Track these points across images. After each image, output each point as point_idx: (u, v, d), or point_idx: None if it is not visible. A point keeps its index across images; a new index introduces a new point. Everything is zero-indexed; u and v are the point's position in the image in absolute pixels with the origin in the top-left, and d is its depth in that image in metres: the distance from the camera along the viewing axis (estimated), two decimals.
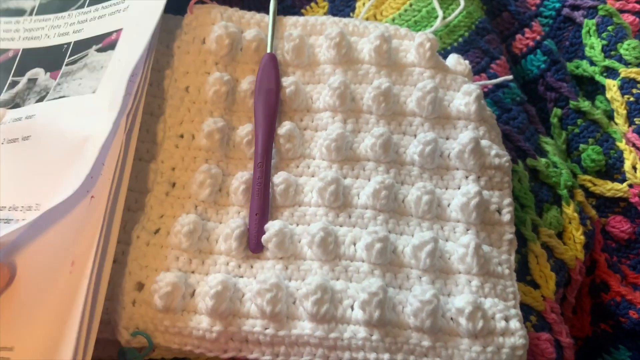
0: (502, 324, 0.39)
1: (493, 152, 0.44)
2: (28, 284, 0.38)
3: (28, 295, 0.38)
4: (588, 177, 0.55)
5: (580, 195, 0.52)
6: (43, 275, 0.38)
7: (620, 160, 0.54)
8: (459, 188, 0.44)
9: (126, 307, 0.40)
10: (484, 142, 0.44)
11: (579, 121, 0.57)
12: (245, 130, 0.45)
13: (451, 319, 0.39)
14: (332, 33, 0.47)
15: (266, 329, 0.39)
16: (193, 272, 0.41)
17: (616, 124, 0.55)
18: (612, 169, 0.54)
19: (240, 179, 0.44)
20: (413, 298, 0.39)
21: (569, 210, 0.50)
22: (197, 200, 0.43)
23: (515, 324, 0.39)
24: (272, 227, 0.41)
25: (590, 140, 0.56)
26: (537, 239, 0.47)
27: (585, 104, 0.56)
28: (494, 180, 0.44)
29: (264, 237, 0.41)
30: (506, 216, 0.43)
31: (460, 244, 0.41)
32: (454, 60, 0.48)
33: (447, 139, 0.45)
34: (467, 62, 0.48)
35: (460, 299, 0.39)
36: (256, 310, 0.39)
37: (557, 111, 0.57)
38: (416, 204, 0.43)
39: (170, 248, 0.42)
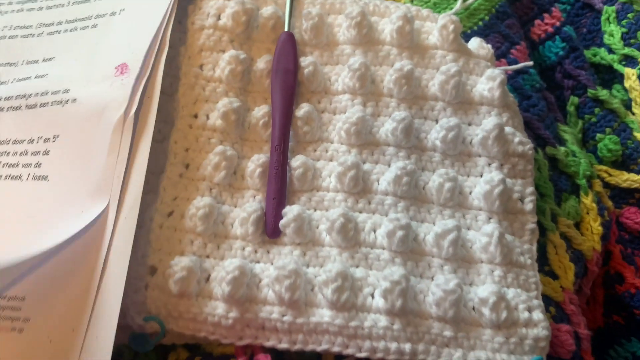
0: (525, 314, 0.38)
1: (517, 140, 0.43)
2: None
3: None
4: (604, 167, 0.54)
5: (598, 185, 0.51)
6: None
7: (637, 150, 0.53)
8: (481, 175, 0.43)
9: (138, 292, 0.39)
10: (508, 129, 0.43)
11: (597, 110, 0.56)
12: (261, 111, 0.44)
13: (473, 309, 0.38)
14: (353, 12, 0.45)
15: (284, 316, 0.38)
16: (208, 256, 0.40)
17: (633, 113, 0.54)
18: (628, 160, 0.54)
19: (257, 161, 0.42)
20: (436, 287, 0.38)
21: (587, 200, 0.49)
22: (211, 183, 0.42)
23: (538, 315, 0.38)
24: (290, 211, 0.40)
25: (607, 129, 0.55)
26: (556, 229, 0.47)
27: (603, 93, 0.55)
28: (517, 168, 0.43)
29: (282, 222, 0.40)
30: (529, 205, 0.42)
31: (483, 233, 0.40)
32: (477, 44, 0.47)
33: (470, 124, 0.44)
34: (489, 46, 0.47)
35: (483, 289, 0.38)
36: (274, 297, 0.38)
37: (574, 99, 0.56)
38: (438, 191, 0.42)
39: (185, 231, 0.40)
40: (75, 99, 0.41)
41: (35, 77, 0.44)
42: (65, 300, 0.37)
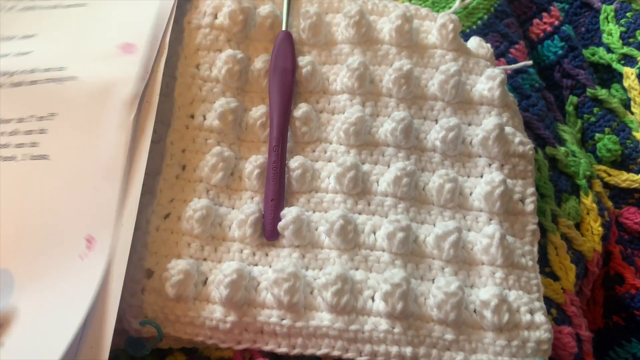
0: (527, 317, 0.38)
1: (517, 140, 0.43)
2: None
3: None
4: (603, 167, 0.54)
5: (598, 185, 0.51)
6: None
7: (637, 150, 0.53)
8: (481, 176, 0.42)
9: (135, 295, 0.38)
10: (508, 129, 0.43)
11: (595, 110, 0.55)
12: (259, 111, 0.43)
13: (475, 311, 0.38)
14: (351, 11, 0.45)
15: (283, 319, 0.37)
16: (205, 259, 0.40)
17: (633, 113, 0.54)
18: (627, 160, 0.53)
19: (254, 162, 0.42)
20: (437, 290, 0.37)
21: (588, 200, 0.49)
22: (208, 184, 0.41)
23: (540, 317, 0.38)
24: (288, 213, 0.39)
25: (607, 129, 0.55)
26: (556, 229, 0.46)
27: (602, 92, 0.55)
28: (517, 168, 0.43)
29: (281, 224, 0.39)
30: (529, 206, 0.42)
31: (484, 234, 0.40)
32: (476, 43, 0.46)
33: (470, 124, 0.44)
34: (489, 45, 0.47)
35: (485, 292, 0.38)
36: (272, 300, 0.37)
37: (573, 99, 0.56)
38: (438, 192, 0.41)
39: (182, 234, 0.40)
40: (75, 77, 0.41)
41: (17, 54, 0.42)
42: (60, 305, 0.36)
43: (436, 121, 0.44)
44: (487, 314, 0.37)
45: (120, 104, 0.39)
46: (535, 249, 0.41)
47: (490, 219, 0.41)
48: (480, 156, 0.43)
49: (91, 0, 0.45)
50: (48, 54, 0.42)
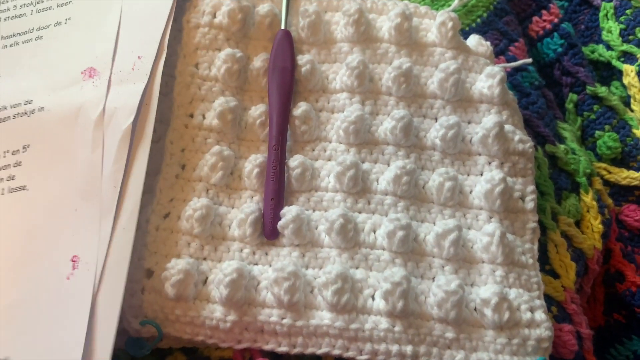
0: (528, 315, 0.38)
1: (517, 138, 0.43)
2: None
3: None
4: (603, 165, 0.54)
5: (598, 183, 0.51)
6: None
7: (637, 148, 0.53)
8: (481, 174, 0.42)
9: (135, 295, 0.38)
10: (508, 127, 0.43)
11: (595, 107, 0.55)
12: (258, 110, 0.43)
13: (475, 309, 0.38)
14: (351, 9, 0.44)
15: (283, 318, 0.37)
16: (205, 258, 0.39)
17: (632, 110, 0.54)
18: (627, 157, 0.53)
19: (254, 162, 0.42)
20: (437, 288, 0.37)
21: (588, 198, 0.49)
22: (208, 184, 0.41)
23: (540, 315, 0.38)
24: (288, 212, 0.39)
25: (607, 127, 0.55)
26: (556, 227, 0.46)
27: (602, 90, 0.55)
28: (517, 166, 0.43)
29: (281, 223, 0.39)
30: (530, 204, 0.42)
31: (484, 233, 0.40)
32: (475, 41, 0.46)
33: (469, 123, 0.44)
34: (488, 43, 0.47)
35: (485, 290, 0.38)
36: (273, 299, 0.37)
37: (573, 96, 0.56)
38: (438, 190, 0.41)
39: (181, 233, 0.40)
40: (42, 107, 0.42)
41: None
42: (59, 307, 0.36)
43: (436, 119, 0.44)
44: (488, 312, 0.37)
45: (91, 125, 0.40)
46: (536, 246, 0.41)
47: (491, 217, 0.41)
48: (480, 154, 0.43)
49: (45, 33, 0.46)
50: (14, 90, 0.43)
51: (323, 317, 0.37)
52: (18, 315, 0.36)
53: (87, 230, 0.38)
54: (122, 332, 0.39)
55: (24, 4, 0.48)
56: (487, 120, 0.42)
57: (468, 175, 0.43)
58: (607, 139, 0.53)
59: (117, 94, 0.41)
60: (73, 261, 0.37)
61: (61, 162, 0.40)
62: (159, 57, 0.42)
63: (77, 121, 0.41)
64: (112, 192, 0.38)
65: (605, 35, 0.57)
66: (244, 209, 0.40)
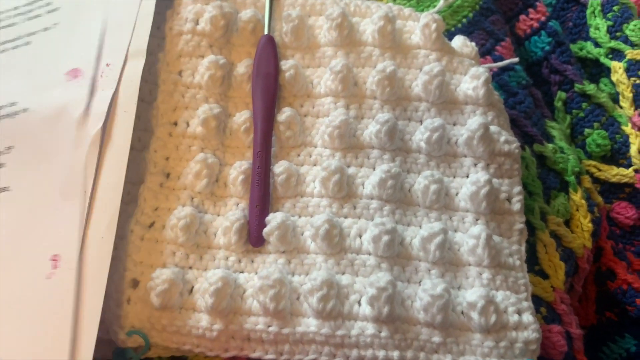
0: (515, 317, 0.37)
1: (502, 139, 0.42)
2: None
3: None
4: (593, 163, 0.54)
5: (587, 181, 0.51)
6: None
7: (626, 144, 0.53)
8: (467, 176, 0.42)
9: (121, 306, 0.38)
10: (493, 128, 0.43)
11: (584, 105, 0.55)
12: (242, 117, 0.43)
13: (462, 313, 0.38)
14: (334, 13, 0.44)
15: (269, 326, 0.37)
16: (191, 267, 0.39)
17: (621, 107, 0.54)
18: (617, 154, 0.53)
19: (239, 168, 0.41)
20: (423, 292, 0.37)
21: (577, 197, 0.49)
22: (193, 192, 0.41)
23: (528, 317, 0.38)
24: (273, 219, 0.39)
25: (596, 124, 0.54)
26: (545, 227, 0.46)
27: (590, 87, 0.55)
28: (503, 167, 0.42)
29: (266, 230, 0.39)
30: (516, 205, 0.42)
31: (470, 235, 0.39)
32: (460, 42, 0.46)
33: (455, 124, 0.43)
34: (473, 44, 0.46)
35: (472, 293, 0.37)
36: (258, 307, 0.37)
37: (562, 95, 0.56)
38: (423, 193, 0.41)
39: (166, 243, 0.40)
40: (26, 109, 0.42)
41: None
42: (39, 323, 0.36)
43: (421, 122, 0.43)
44: (474, 315, 0.37)
45: (74, 124, 0.40)
46: (523, 248, 0.41)
47: (477, 219, 0.41)
48: (465, 156, 0.43)
49: (34, 39, 0.46)
50: None
51: (309, 324, 0.37)
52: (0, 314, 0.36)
53: (68, 229, 0.38)
54: (110, 343, 0.39)
55: (17, 14, 0.48)
56: (472, 122, 0.42)
57: (454, 177, 0.42)
58: (596, 137, 0.53)
59: (87, 98, 0.41)
60: (54, 260, 0.37)
61: (43, 162, 0.41)
62: (126, 64, 0.42)
63: (60, 121, 0.41)
64: (83, 198, 0.38)
65: (592, 33, 0.57)
66: (229, 217, 0.40)
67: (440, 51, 0.45)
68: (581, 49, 0.57)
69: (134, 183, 0.42)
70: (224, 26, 0.44)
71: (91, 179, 0.38)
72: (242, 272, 0.39)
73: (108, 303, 0.39)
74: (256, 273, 0.39)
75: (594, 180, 0.53)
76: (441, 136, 0.42)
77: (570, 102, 0.56)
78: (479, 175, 0.41)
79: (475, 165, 0.42)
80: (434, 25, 0.44)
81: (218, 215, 0.41)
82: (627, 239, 0.52)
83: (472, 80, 0.44)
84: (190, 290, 0.39)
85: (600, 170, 0.53)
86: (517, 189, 0.42)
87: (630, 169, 0.52)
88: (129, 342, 0.38)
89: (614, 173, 0.53)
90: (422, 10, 0.52)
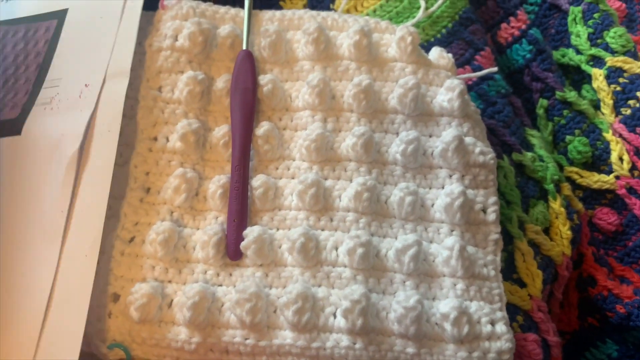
0: (488, 328, 0.38)
1: (477, 150, 0.43)
2: None
3: None
4: (575, 169, 0.54)
5: (567, 189, 0.51)
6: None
7: (607, 151, 0.53)
8: (442, 187, 0.43)
9: (102, 319, 0.39)
10: (468, 140, 0.43)
11: (565, 112, 0.56)
12: (221, 131, 0.44)
13: (436, 324, 0.38)
14: (310, 28, 0.45)
15: (246, 339, 0.38)
16: (170, 281, 0.40)
17: (603, 114, 0.54)
18: (598, 161, 0.54)
19: (218, 182, 0.42)
20: (397, 304, 0.38)
21: (556, 205, 0.49)
22: (172, 206, 0.42)
23: (501, 327, 0.38)
24: (250, 233, 0.40)
25: (577, 131, 0.55)
26: (523, 236, 0.46)
27: (571, 95, 0.55)
28: (478, 178, 0.43)
29: (243, 244, 0.40)
30: (491, 215, 0.42)
31: (444, 247, 0.40)
32: (437, 54, 0.47)
33: (430, 136, 0.44)
34: (450, 55, 0.47)
35: (445, 304, 0.38)
36: (236, 321, 0.38)
37: (543, 102, 0.56)
38: (399, 205, 0.41)
39: (146, 257, 0.40)
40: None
41: None
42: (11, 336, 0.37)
43: (397, 134, 0.44)
44: (447, 326, 0.37)
45: (52, 149, 0.41)
46: (498, 258, 0.41)
47: (452, 230, 0.41)
48: (441, 167, 0.43)
49: None
50: None
51: (286, 336, 0.38)
52: None
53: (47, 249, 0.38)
54: (91, 356, 0.39)
55: None
56: (447, 134, 0.43)
57: (430, 188, 0.43)
58: (577, 144, 0.54)
59: (64, 121, 0.42)
60: None
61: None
62: (105, 84, 0.43)
63: (40, 148, 0.42)
64: (59, 217, 0.38)
65: (574, 40, 0.57)
66: (207, 231, 0.40)
67: (416, 64, 0.45)
68: (563, 56, 0.58)
69: (115, 197, 0.43)
70: (203, 42, 0.45)
71: (67, 199, 0.39)
72: (221, 285, 0.40)
73: (89, 317, 0.39)
74: (234, 286, 0.39)
75: (575, 187, 0.53)
76: (416, 148, 0.42)
77: (552, 109, 0.56)
78: (454, 187, 0.41)
79: (451, 176, 0.43)
80: (409, 39, 0.45)
81: (197, 229, 0.42)
82: (610, 244, 0.53)
83: (447, 92, 0.44)
84: (170, 304, 0.39)
85: (582, 176, 0.54)
86: (493, 199, 0.43)
87: (611, 176, 0.52)
88: (110, 355, 0.39)
89: (595, 179, 0.53)
90: (402, 22, 0.53)
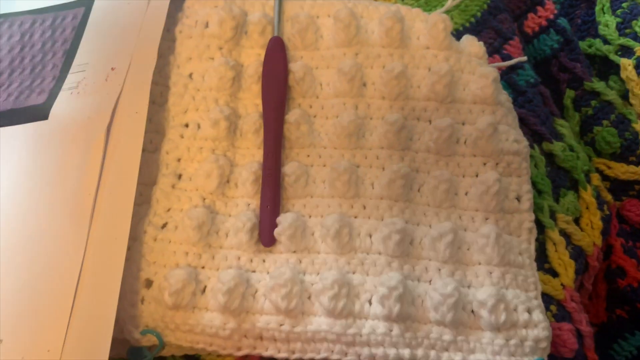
0: (525, 315, 0.38)
1: (511, 138, 0.43)
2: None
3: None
4: (602, 160, 0.53)
5: (596, 179, 0.51)
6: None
7: (636, 142, 0.53)
8: (476, 175, 0.42)
9: (135, 305, 0.39)
10: (502, 127, 0.43)
11: (593, 102, 0.55)
12: (252, 118, 0.43)
13: (472, 311, 0.38)
14: (341, 14, 0.45)
15: (281, 325, 0.37)
16: (203, 267, 0.40)
17: (631, 104, 0.54)
18: (627, 151, 0.53)
19: (250, 169, 0.42)
20: (434, 291, 0.37)
21: (586, 195, 0.49)
22: (204, 193, 0.42)
23: (538, 315, 0.38)
24: (284, 219, 0.40)
25: (605, 122, 0.54)
26: (555, 225, 0.46)
27: (599, 85, 0.54)
28: (512, 166, 0.43)
29: (277, 230, 0.40)
30: (525, 203, 0.42)
31: (480, 234, 0.40)
32: (468, 42, 0.46)
33: (463, 124, 0.44)
34: (481, 43, 0.46)
35: (482, 292, 0.38)
36: (270, 306, 0.38)
37: (571, 92, 0.56)
38: (433, 193, 0.41)
39: (179, 243, 0.40)
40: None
41: None
42: (39, 321, 0.36)
43: (430, 122, 0.44)
44: (484, 313, 0.37)
45: (79, 130, 0.41)
46: (532, 246, 0.41)
47: (486, 218, 0.41)
48: (474, 155, 0.43)
49: None
50: None
51: (321, 322, 0.37)
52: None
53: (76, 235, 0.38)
54: (124, 342, 0.39)
55: None
56: (481, 122, 0.42)
57: (463, 176, 0.43)
58: (605, 134, 0.53)
59: (91, 104, 0.42)
60: None
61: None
62: (131, 67, 0.43)
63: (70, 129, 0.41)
64: (87, 199, 0.38)
65: (601, 29, 0.57)
66: (240, 217, 0.40)
67: (448, 51, 0.45)
68: (590, 46, 0.57)
69: (146, 184, 0.43)
70: (233, 28, 0.45)
71: (95, 183, 0.39)
72: (254, 271, 0.40)
73: (122, 303, 0.39)
74: (268, 272, 0.39)
75: (603, 178, 0.53)
76: (449, 136, 0.42)
77: (579, 99, 0.55)
78: (488, 175, 0.41)
79: (485, 164, 0.42)
80: (442, 25, 0.44)
81: (229, 216, 0.42)
82: (638, 236, 0.52)
83: (480, 80, 0.44)
84: (203, 290, 0.39)
85: (610, 167, 0.53)
86: (526, 187, 0.42)
87: None
88: (143, 341, 0.38)
89: (624, 170, 0.53)
90: (431, 10, 0.52)
